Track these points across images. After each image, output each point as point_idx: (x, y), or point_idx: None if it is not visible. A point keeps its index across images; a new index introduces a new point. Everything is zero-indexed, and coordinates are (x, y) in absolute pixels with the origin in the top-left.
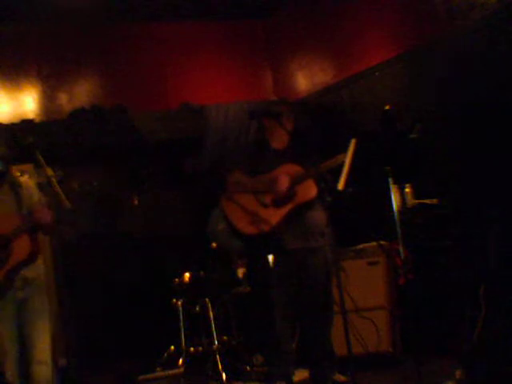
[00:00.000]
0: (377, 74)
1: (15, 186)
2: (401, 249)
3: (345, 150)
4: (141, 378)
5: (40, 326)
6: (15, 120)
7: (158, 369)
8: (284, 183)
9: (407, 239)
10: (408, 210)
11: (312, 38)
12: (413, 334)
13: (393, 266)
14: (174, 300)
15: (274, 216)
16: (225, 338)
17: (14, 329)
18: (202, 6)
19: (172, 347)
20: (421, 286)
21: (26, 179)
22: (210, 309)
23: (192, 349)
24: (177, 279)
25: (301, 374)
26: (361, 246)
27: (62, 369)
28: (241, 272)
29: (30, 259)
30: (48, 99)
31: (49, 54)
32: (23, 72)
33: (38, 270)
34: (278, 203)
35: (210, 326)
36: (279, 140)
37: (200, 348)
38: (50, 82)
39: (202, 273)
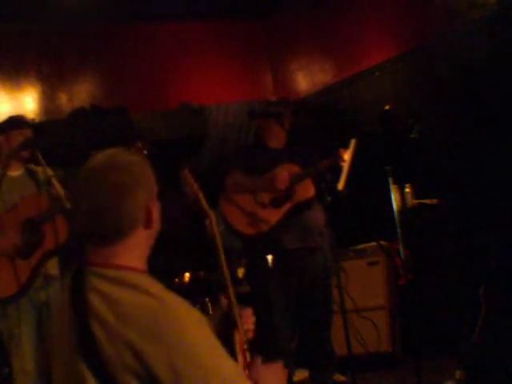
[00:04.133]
0: (377, 73)
1: (32, 172)
2: (401, 249)
3: (344, 149)
4: None
5: None
6: None
7: None
8: (283, 179)
9: (407, 239)
10: (408, 210)
11: (312, 37)
12: (413, 334)
13: (393, 265)
14: None
15: (273, 216)
16: None
17: (35, 333)
18: (202, 6)
19: None
20: (421, 286)
21: (42, 169)
22: (210, 309)
23: None
24: (177, 279)
25: (301, 374)
26: (361, 246)
27: None
28: (241, 272)
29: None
30: (48, 99)
31: (49, 53)
32: (23, 72)
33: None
34: (276, 203)
35: None
36: (278, 139)
37: None
38: (50, 82)
39: (201, 273)
